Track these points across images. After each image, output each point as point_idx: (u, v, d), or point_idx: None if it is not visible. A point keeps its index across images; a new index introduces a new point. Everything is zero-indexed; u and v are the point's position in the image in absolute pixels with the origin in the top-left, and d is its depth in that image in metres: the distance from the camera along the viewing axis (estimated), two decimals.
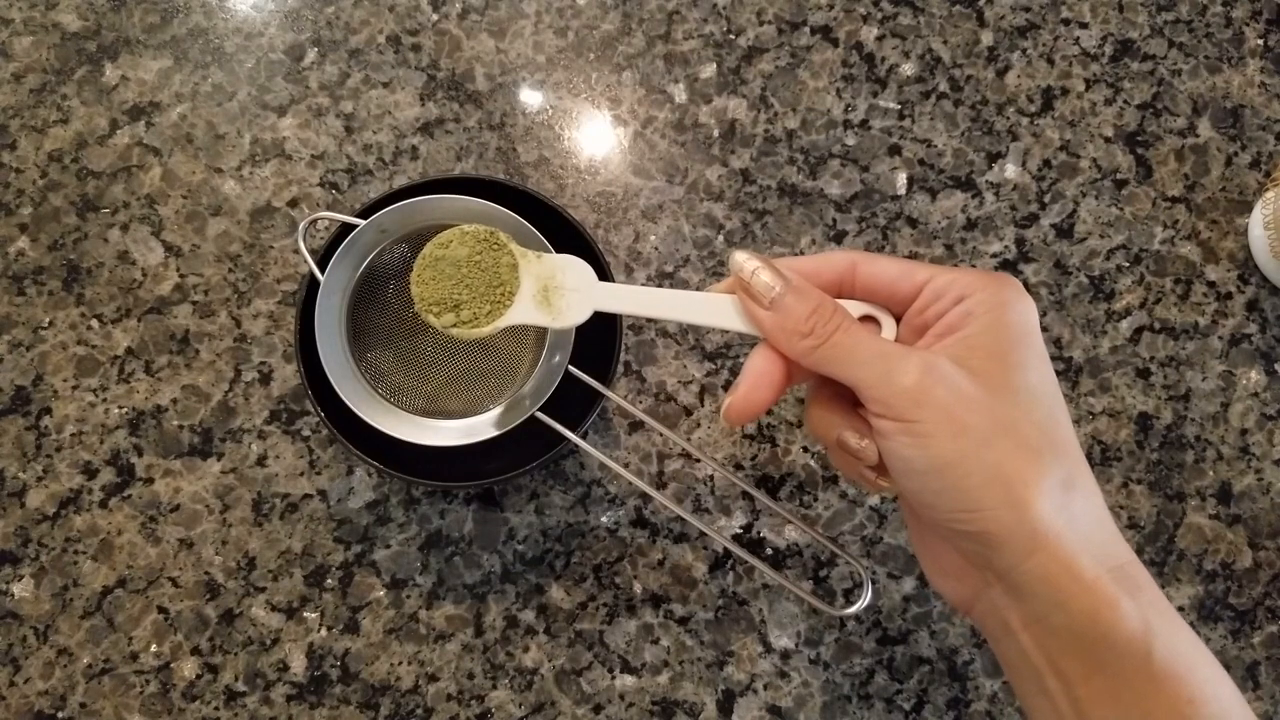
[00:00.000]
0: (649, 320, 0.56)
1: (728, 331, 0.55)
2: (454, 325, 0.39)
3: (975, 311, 0.32)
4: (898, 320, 0.35)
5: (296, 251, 0.56)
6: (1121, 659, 0.29)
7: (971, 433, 0.30)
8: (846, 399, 0.35)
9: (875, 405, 0.32)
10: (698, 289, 0.56)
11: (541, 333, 0.48)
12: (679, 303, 0.37)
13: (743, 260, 0.35)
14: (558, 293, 0.38)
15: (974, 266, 0.58)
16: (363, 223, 0.46)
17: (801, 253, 0.57)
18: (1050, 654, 0.31)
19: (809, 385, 0.37)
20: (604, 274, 0.49)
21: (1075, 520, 0.30)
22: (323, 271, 0.46)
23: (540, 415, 0.46)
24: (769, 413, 0.55)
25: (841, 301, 0.35)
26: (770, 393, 0.35)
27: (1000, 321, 0.32)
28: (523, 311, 0.38)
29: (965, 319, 0.32)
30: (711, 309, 0.37)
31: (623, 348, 0.50)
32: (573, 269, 0.39)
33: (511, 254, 0.39)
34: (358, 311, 0.48)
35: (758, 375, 0.35)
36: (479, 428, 0.47)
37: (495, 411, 0.47)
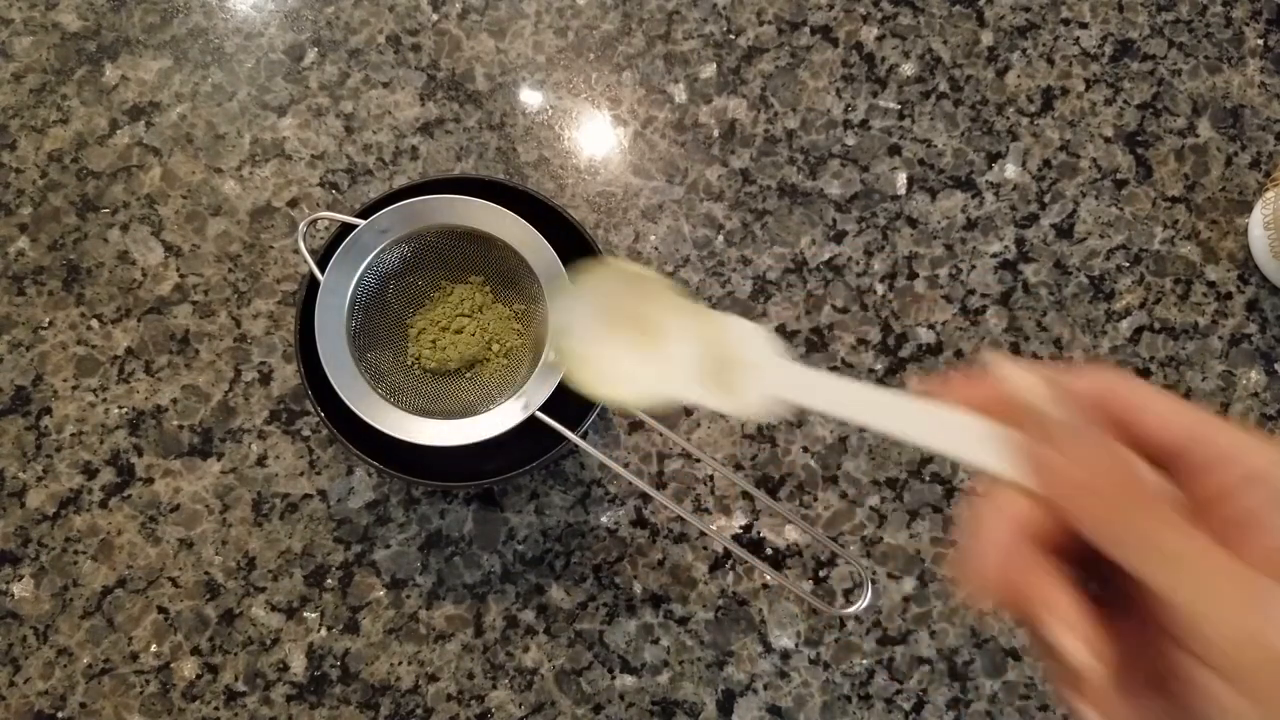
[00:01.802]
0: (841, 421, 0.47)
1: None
2: (596, 382, 0.30)
3: None
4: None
5: (296, 251, 0.56)
6: None
7: None
8: (1069, 553, 0.23)
9: (1199, 645, 0.21)
10: (697, 288, 0.56)
11: (541, 333, 0.48)
12: (898, 411, 0.26)
13: (1021, 379, 0.24)
14: (718, 365, 0.29)
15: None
16: (363, 223, 0.46)
17: (801, 253, 0.57)
18: None
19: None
20: None
21: None
22: (323, 271, 0.46)
23: (540, 415, 0.46)
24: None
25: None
26: (1029, 566, 0.23)
27: None
28: (684, 387, 0.29)
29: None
30: (944, 429, 0.25)
31: None
32: (740, 335, 0.29)
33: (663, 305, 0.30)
34: (358, 311, 0.48)
35: (1002, 534, 0.23)
36: (479, 428, 0.47)
37: (495, 411, 0.47)
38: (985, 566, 0.23)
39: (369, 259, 0.47)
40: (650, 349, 0.30)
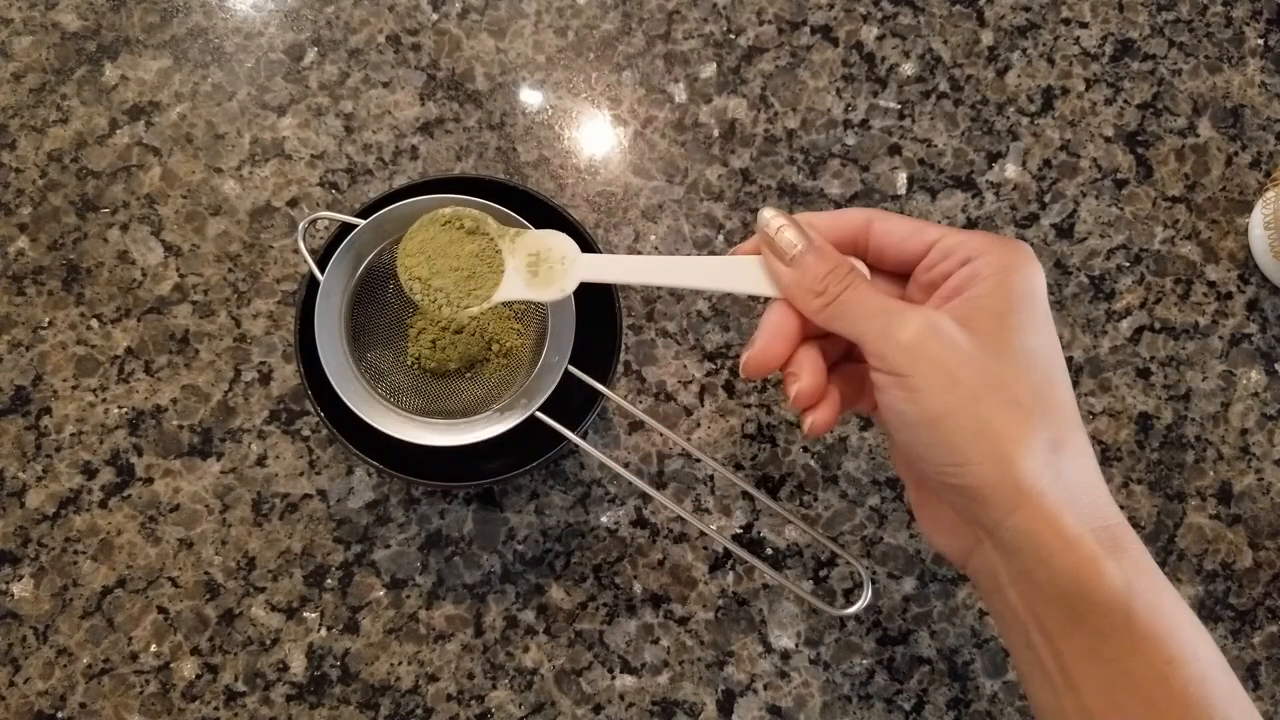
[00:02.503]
0: (642, 288, 0.56)
1: (728, 295, 0.55)
2: (443, 305, 0.40)
3: (981, 273, 0.33)
4: (906, 278, 0.36)
5: (296, 251, 0.56)
6: (1102, 617, 0.30)
7: (962, 388, 0.31)
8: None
9: (874, 359, 0.33)
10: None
11: (541, 333, 0.48)
12: (669, 267, 0.37)
13: (770, 217, 0.35)
14: (545, 266, 0.39)
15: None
16: (362, 223, 0.46)
17: None
18: (1035, 609, 0.32)
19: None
20: None
21: (1061, 479, 0.31)
22: (323, 271, 0.46)
23: (540, 415, 0.46)
24: (769, 412, 0.55)
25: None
26: (785, 346, 0.36)
27: (1005, 284, 0.33)
28: (512, 288, 0.39)
29: (971, 280, 0.33)
30: (712, 272, 0.37)
31: (623, 348, 0.50)
32: (555, 241, 0.39)
33: (491, 236, 0.40)
34: (358, 311, 0.48)
35: (774, 329, 0.36)
36: (479, 428, 0.47)
37: (495, 411, 0.47)
38: (758, 348, 0.36)
39: (369, 259, 0.47)
40: (484, 272, 0.40)
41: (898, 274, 0.37)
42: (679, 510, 0.44)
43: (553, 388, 0.46)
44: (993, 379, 0.32)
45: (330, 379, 0.45)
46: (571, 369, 0.46)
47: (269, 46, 0.59)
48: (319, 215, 0.47)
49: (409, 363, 0.50)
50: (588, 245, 0.49)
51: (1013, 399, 0.31)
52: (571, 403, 0.47)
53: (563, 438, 0.46)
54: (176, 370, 0.54)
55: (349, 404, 0.45)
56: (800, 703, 0.52)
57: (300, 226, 0.47)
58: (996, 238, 0.34)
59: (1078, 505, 0.31)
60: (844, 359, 0.39)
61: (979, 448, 0.31)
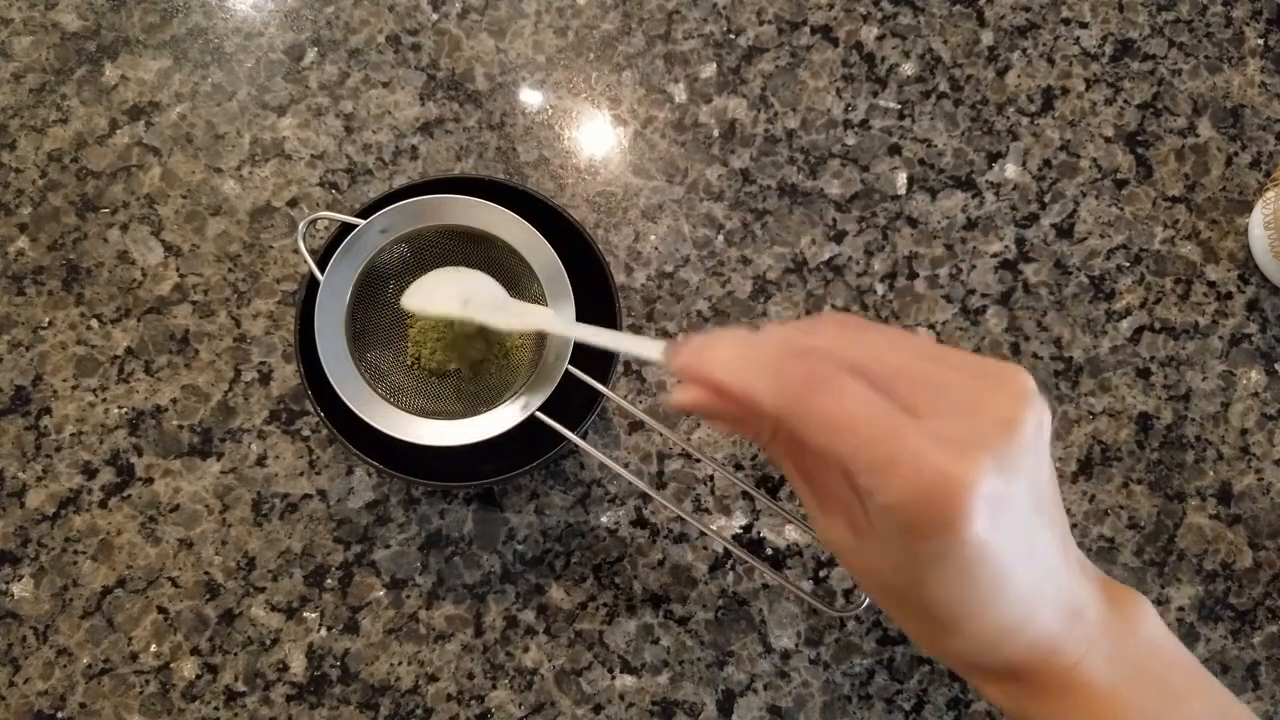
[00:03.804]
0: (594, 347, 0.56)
1: (728, 295, 0.55)
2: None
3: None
4: None
5: (296, 251, 0.56)
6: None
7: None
8: None
9: (848, 466, 0.28)
10: (697, 288, 0.56)
11: (542, 333, 0.48)
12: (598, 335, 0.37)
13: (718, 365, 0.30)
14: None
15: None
16: (362, 222, 0.46)
17: (801, 252, 0.57)
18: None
19: None
20: (604, 274, 0.49)
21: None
22: (323, 271, 0.46)
23: (540, 415, 0.46)
24: None
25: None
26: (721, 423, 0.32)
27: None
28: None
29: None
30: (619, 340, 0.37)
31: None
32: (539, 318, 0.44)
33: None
34: (358, 311, 0.48)
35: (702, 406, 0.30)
36: (479, 428, 0.47)
37: (495, 411, 0.47)
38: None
39: (369, 259, 0.47)
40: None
41: None
42: (679, 510, 0.45)
43: (552, 388, 0.46)
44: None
45: (330, 379, 0.45)
46: (571, 369, 0.46)
47: (269, 46, 0.59)
48: (319, 215, 0.47)
49: (409, 363, 0.50)
50: (587, 245, 0.49)
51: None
52: (571, 403, 0.47)
53: (563, 438, 0.46)
54: (176, 370, 0.54)
55: (349, 404, 0.45)
56: (800, 703, 0.52)
57: (300, 226, 0.47)
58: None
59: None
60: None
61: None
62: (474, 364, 0.51)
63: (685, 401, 0.30)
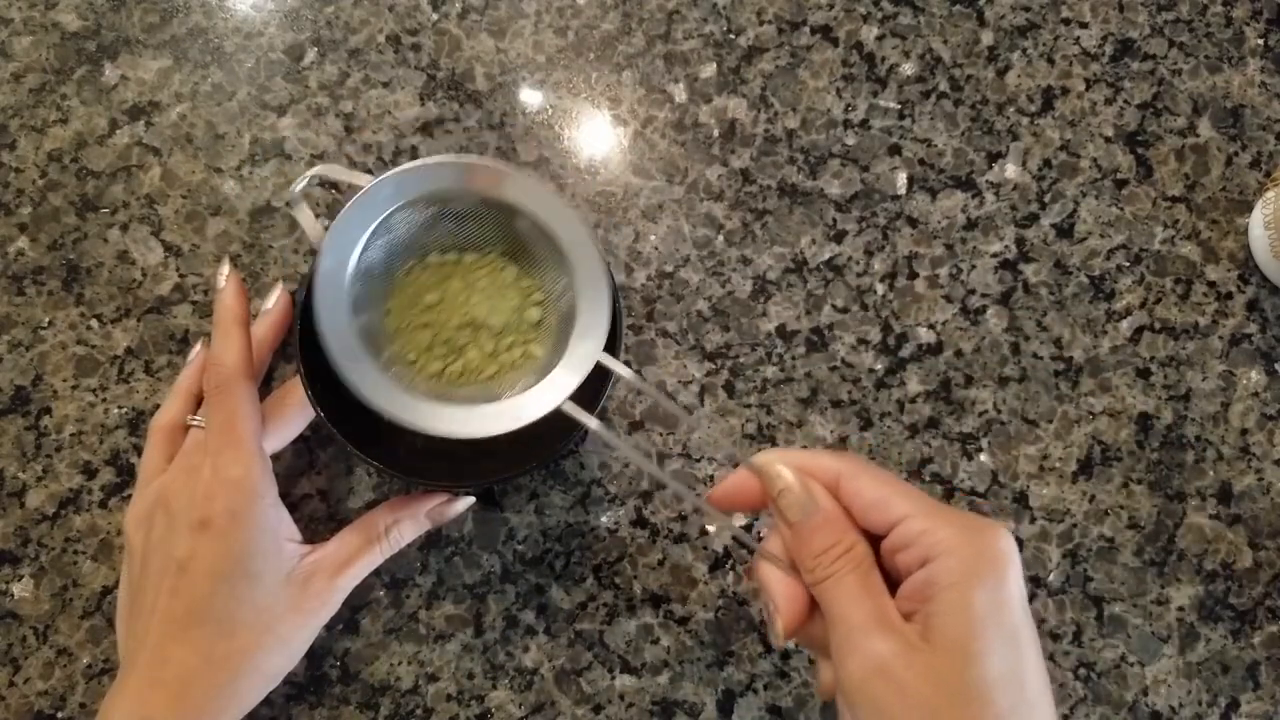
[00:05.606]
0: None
1: (728, 296, 0.55)
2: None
3: (940, 582, 0.30)
4: (877, 550, 0.34)
5: (288, 205, 0.55)
6: None
7: None
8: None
9: (833, 663, 0.33)
10: (697, 288, 0.56)
11: (569, 319, 0.45)
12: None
13: (777, 474, 0.35)
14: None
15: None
16: (370, 181, 0.42)
17: (801, 252, 0.57)
18: None
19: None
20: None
21: None
22: (322, 246, 0.42)
23: (568, 405, 0.42)
24: (769, 412, 0.55)
25: None
26: (804, 607, 0.35)
27: (965, 602, 0.30)
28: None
29: (929, 589, 0.31)
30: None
31: (623, 348, 0.50)
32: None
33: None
34: (362, 300, 0.46)
35: (788, 599, 0.35)
36: (492, 418, 0.43)
37: (509, 401, 0.44)
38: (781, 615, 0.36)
39: (366, 256, 0.46)
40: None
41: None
42: (685, 494, 0.43)
43: (582, 378, 0.42)
44: None
45: (332, 362, 0.41)
46: (604, 358, 0.43)
47: (269, 46, 0.59)
48: (317, 171, 0.42)
49: (413, 357, 0.48)
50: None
51: None
52: (577, 398, 0.47)
53: (564, 438, 0.46)
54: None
55: (354, 388, 0.41)
56: (800, 703, 0.52)
57: (296, 187, 0.42)
58: (964, 527, 0.31)
59: None
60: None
61: None
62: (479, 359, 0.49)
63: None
